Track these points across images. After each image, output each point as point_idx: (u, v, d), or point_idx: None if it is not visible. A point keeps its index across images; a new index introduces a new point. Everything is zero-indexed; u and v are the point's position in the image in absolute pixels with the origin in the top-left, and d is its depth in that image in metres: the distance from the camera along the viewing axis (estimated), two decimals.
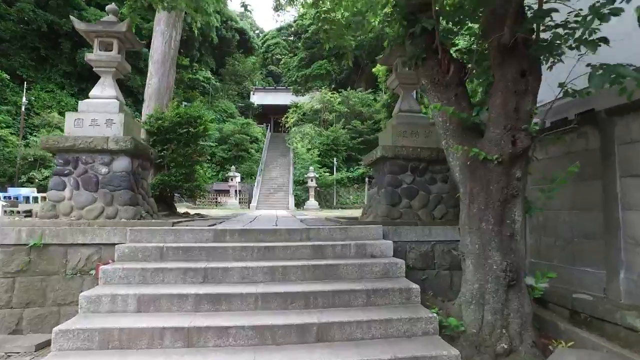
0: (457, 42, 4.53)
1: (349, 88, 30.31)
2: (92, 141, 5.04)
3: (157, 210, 7.19)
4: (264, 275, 3.68)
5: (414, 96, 6.55)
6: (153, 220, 4.91)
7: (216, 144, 26.80)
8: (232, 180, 21.84)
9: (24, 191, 13.32)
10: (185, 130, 7.54)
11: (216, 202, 24.29)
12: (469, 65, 3.91)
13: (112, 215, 5.01)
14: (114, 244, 4.25)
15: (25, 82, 19.37)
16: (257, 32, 44.25)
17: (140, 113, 9.22)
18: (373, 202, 6.24)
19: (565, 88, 3.42)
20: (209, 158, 26.34)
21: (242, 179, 24.91)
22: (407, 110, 6.14)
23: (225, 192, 23.35)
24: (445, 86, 3.88)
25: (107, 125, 5.30)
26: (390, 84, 6.52)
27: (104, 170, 5.16)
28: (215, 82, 33.62)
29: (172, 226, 4.68)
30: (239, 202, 22.63)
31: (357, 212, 14.28)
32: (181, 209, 13.76)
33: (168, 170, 7.67)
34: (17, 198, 12.59)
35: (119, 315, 3.11)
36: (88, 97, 5.50)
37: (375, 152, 5.99)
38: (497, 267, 3.33)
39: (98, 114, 5.31)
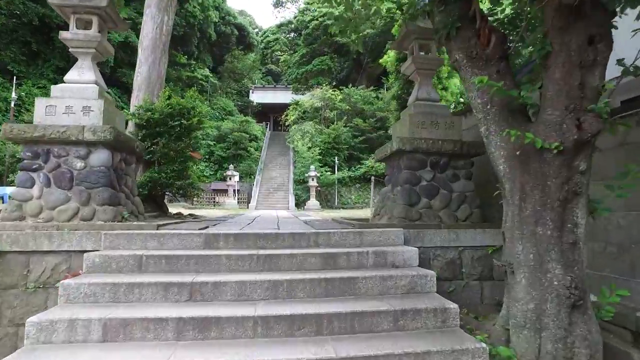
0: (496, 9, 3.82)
1: (350, 86, 29.63)
2: (65, 131, 4.34)
3: (145, 211, 6.49)
4: (265, 292, 2.98)
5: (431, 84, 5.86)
6: (135, 223, 4.22)
7: (214, 142, 26.11)
8: (230, 179, 21.14)
9: (10, 190, 12.59)
10: (177, 122, 6.85)
11: (214, 202, 23.58)
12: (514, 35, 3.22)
13: (89, 217, 4.32)
14: (87, 251, 3.57)
15: (15, 78, 18.66)
16: (256, 30, 43.51)
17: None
18: (387, 201, 5.55)
19: (628, 66, 2.76)
20: (207, 157, 25.67)
21: (240, 178, 24.21)
22: (425, 99, 5.46)
23: (224, 192, 22.68)
24: (485, 61, 3.19)
25: (84, 113, 4.60)
26: (406, 70, 5.83)
27: (79, 164, 4.47)
28: (214, 80, 32.95)
29: (157, 229, 3.99)
30: (238, 202, 21.94)
31: (361, 213, 13.58)
32: (177, 209, 13.06)
33: (158, 167, 6.98)
34: (2, 197, 11.86)
35: (76, 347, 2.41)
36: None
37: (390, 145, 5.31)
38: (559, 283, 2.65)
39: (74, 100, 4.62)
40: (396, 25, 8.62)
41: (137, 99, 7.22)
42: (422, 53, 5.58)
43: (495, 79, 3.13)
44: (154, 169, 6.89)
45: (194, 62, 31.11)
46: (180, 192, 7.24)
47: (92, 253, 3.31)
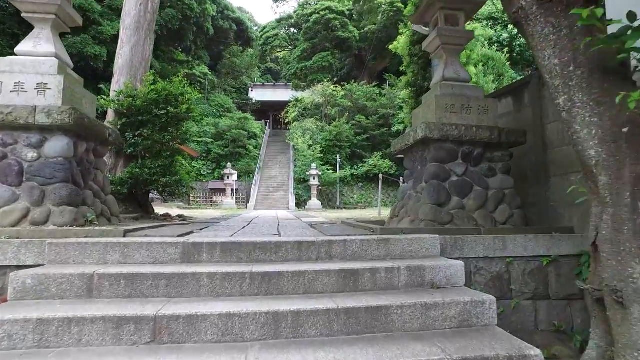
0: None
1: (353, 82, 28.75)
2: (10, 112, 3.46)
3: (125, 212, 5.62)
4: (261, 329, 2.10)
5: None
6: (97, 229, 3.33)
7: (212, 139, 25.22)
8: (228, 178, 20.24)
9: None
10: (163, 110, 5.96)
11: (211, 201, 22.71)
12: None
13: (42, 220, 3.44)
14: (28, 267, 2.69)
15: None
16: (255, 28, 42.61)
17: None
18: (408, 201, 4.68)
19: None
20: (204, 155, 24.75)
21: (239, 177, 23.35)
22: (453, 79, 4.58)
23: (221, 191, 21.81)
24: (566, 5, 2.31)
25: (39, 92, 3.71)
26: (428, 46, 4.95)
27: (31, 155, 3.58)
28: (212, 77, 32.00)
29: (123, 237, 3.11)
30: (236, 202, 21.07)
31: (367, 213, 12.69)
32: (170, 209, 12.16)
33: (141, 161, 6.09)
34: None
35: None
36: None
37: (412, 133, 4.43)
38: None
39: (25, 76, 3.74)
40: (410, 3, 7.75)
41: (117, 84, 6.34)
42: (449, 25, 4.70)
43: (579, 31, 2.25)
44: (136, 163, 6.00)
45: (191, 60, 30.19)
46: (167, 190, 6.35)
47: (22, 272, 2.41)
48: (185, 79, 6.61)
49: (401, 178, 12.91)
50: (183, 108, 6.09)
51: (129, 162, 6.24)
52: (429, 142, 4.24)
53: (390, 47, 9.09)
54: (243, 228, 4.62)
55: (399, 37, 9.74)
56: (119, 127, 6.09)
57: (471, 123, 4.35)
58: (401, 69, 8.69)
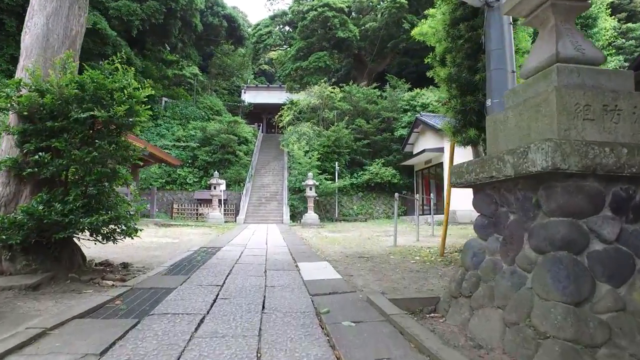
0: None
1: (351, 82, 26.79)
2: None
3: (22, 270, 3.53)
4: None
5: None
6: None
7: (198, 145, 23.03)
8: (215, 188, 18.05)
9: None
10: (87, 113, 3.84)
11: (197, 214, 20.50)
12: None
13: None
14: None
15: None
16: (249, 29, 40.67)
17: None
18: (491, 274, 2.60)
19: None
20: (190, 161, 22.53)
21: (228, 186, 21.15)
22: (575, 59, 2.53)
23: (209, 202, 19.59)
24: None
25: None
26: (517, 7, 2.89)
27: None
28: (202, 78, 29.83)
29: None
30: (224, 214, 18.89)
31: (375, 234, 10.20)
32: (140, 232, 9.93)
33: (49, 192, 3.95)
34: None
35: None
36: None
37: (511, 159, 2.33)
38: None
39: None
40: None
41: (23, 71, 4.21)
42: None
43: None
44: (42, 196, 3.85)
45: (180, 59, 28.01)
46: (96, 233, 4.20)
47: None
48: (131, 68, 4.47)
49: (416, 195, 10.81)
50: (120, 110, 3.95)
51: (39, 191, 4.08)
52: (550, 179, 2.18)
53: (413, 32, 7.05)
54: (201, 322, 2.49)
55: (423, 21, 7.72)
56: (17, 136, 3.96)
57: (623, 140, 2.31)
58: (426, 61, 6.65)
